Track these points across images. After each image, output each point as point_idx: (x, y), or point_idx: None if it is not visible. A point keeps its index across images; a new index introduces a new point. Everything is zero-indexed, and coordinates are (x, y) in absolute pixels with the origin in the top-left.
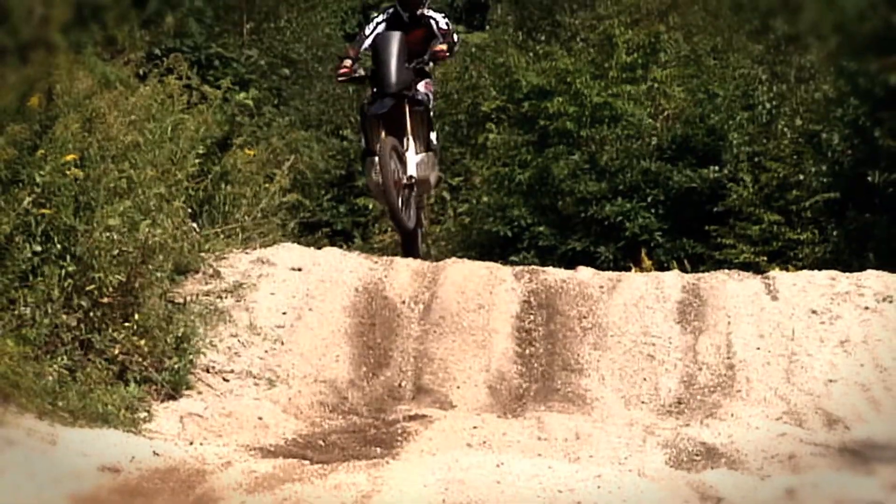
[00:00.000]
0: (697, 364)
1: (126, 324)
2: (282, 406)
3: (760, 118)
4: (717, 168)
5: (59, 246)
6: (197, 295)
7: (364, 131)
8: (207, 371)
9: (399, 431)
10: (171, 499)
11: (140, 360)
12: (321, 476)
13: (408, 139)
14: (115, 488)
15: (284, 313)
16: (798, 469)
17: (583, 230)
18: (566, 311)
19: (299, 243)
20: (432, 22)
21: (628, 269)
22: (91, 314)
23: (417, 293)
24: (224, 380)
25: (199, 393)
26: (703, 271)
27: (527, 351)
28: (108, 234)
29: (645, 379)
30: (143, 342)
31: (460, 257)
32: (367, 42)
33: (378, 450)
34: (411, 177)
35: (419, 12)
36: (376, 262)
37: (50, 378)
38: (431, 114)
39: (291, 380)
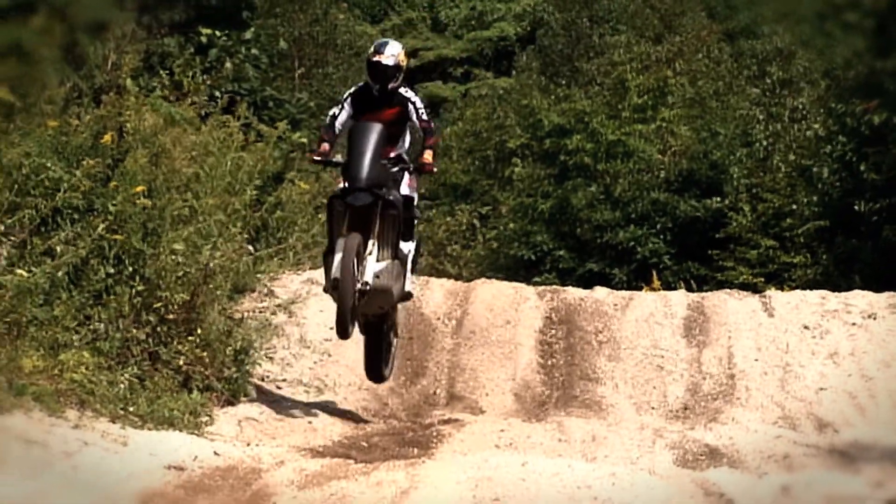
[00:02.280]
0: (702, 374)
1: (190, 337)
2: (329, 411)
3: (758, 154)
4: (718, 199)
5: (129, 268)
6: (253, 311)
7: (329, 225)
8: (263, 380)
9: (434, 434)
10: (229, 494)
11: (202, 370)
12: (364, 474)
13: (373, 243)
14: (180, 485)
15: (332, 328)
16: (792, 468)
17: (599, 254)
18: (584, 326)
19: None
20: (410, 105)
21: (639, 289)
22: (158, 329)
23: (451, 310)
24: (277, 388)
25: (255, 399)
26: (706, 291)
27: (548, 362)
28: (173, 257)
29: (654, 387)
30: (205, 354)
31: (489, 278)
32: (339, 123)
33: (415, 450)
34: (366, 283)
35: (391, 87)
36: (414, 283)
37: (121, 386)
38: (415, 218)
39: (338, 388)
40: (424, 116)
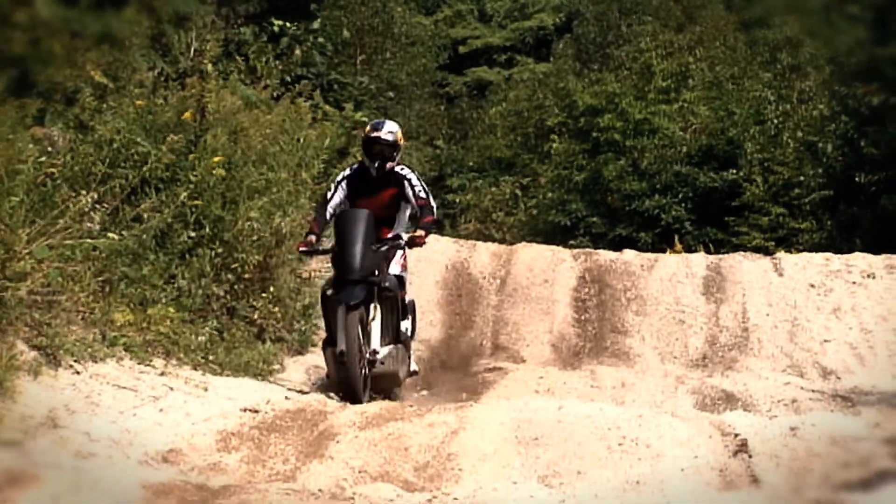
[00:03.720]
0: (719, 327)
1: (263, 294)
2: None
3: (769, 131)
4: (734, 171)
5: (209, 232)
6: (319, 271)
7: (326, 319)
8: None
9: (480, 381)
10: (298, 434)
11: (274, 323)
12: (418, 416)
13: (374, 307)
14: (255, 425)
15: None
16: (799, 411)
17: (627, 220)
18: (614, 284)
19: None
20: (406, 184)
21: (663, 252)
22: (235, 287)
23: (495, 270)
24: None
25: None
26: (723, 253)
27: (582, 317)
28: (249, 223)
29: (677, 339)
30: (277, 309)
31: (529, 242)
32: (332, 207)
33: (464, 395)
34: (375, 351)
35: (389, 166)
36: (462, 246)
37: (202, 337)
38: (405, 297)
39: None
40: (422, 194)
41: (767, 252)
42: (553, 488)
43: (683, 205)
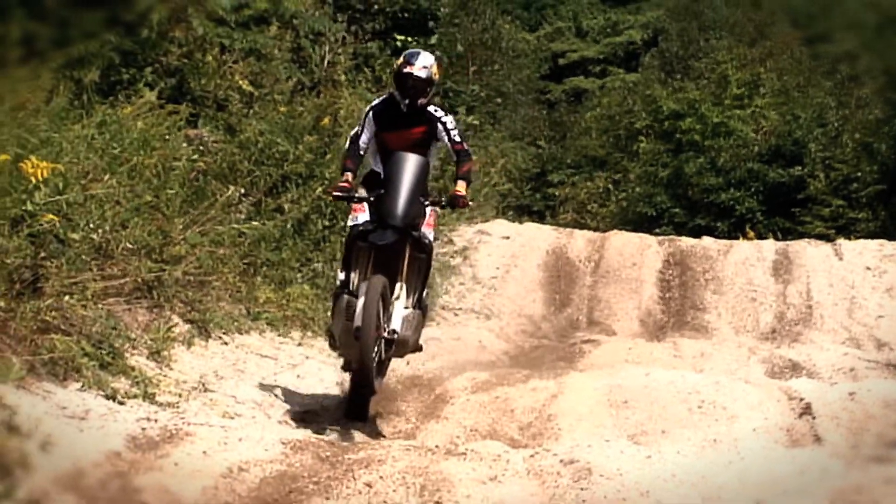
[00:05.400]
0: (786, 304)
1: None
2: (495, 333)
3: (830, 133)
4: (799, 168)
5: (341, 222)
6: (436, 255)
7: (347, 261)
8: (443, 308)
9: (577, 351)
10: (417, 397)
11: None
12: (523, 381)
13: (401, 286)
14: (379, 389)
15: (497, 268)
16: (857, 378)
17: (705, 211)
18: (694, 267)
19: (507, 220)
20: (439, 125)
21: (737, 239)
22: None
23: (590, 254)
24: (455, 314)
25: (438, 324)
26: (789, 240)
27: (666, 295)
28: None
29: (749, 315)
30: None
31: (619, 230)
32: (363, 143)
33: (562, 363)
34: (394, 331)
35: (420, 103)
36: (561, 233)
37: None
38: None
39: (502, 315)
40: (457, 137)
41: (829, 239)
42: (641, 445)
43: (755, 197)
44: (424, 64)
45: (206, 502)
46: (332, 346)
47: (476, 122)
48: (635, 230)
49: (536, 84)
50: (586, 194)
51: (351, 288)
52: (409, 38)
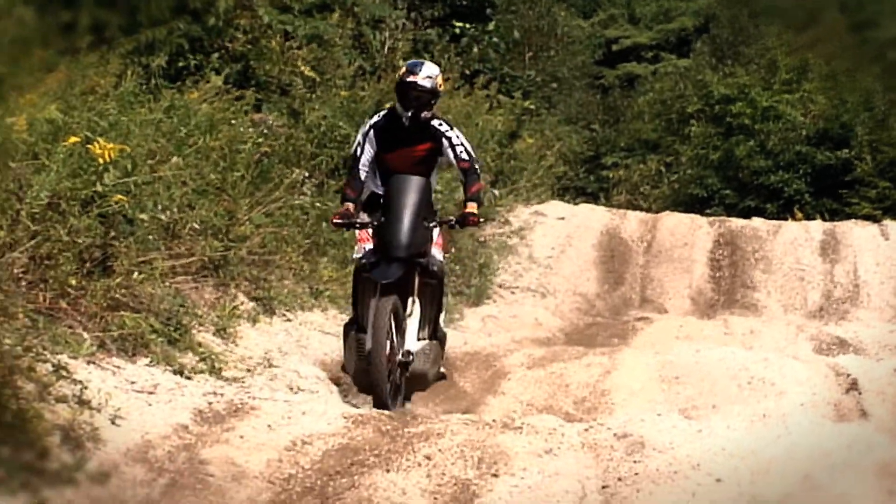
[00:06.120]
0: (833, 283)
1: (446, 255)
2: (551, 311)
3: (877, 116)
4: (847, 150)
5: None
6: (494, 235)
7: (354, 295)
8: (500, 287)
9: (630, 328)
10: (475, 373)
11: (455, 279)
12: (577, 357)
13: (412, 302)
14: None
15: (552, 248)
16: None
17: (755, 193)
18: (744, 247)
19: (563, 201)
20: (444, 141)
21: (786, 220)
22: None
23: (643, 235)
24: (511, 293)
25: (495, 302)
26: (837, 221)
27: (717, 274)
28: (435, 195)
29: (797, 293)
30: (457, 267)
31: (671, 211)
32: (363, 166)
33: (616, 340)
34: (408, 353)
35: (424, 116)
36: (615, 214)
37: None
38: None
39: (557, 293)
40: (465, 155)
41: (875, 220)
42: (692, 420)
43: (803, 179)
44: (429, 74)
45: (270, 474)
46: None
47: (532, 107)
48: (687, 211)
49: (590, 69)
50: (639, 176)
51: (362, 323)
52: (468, 25)
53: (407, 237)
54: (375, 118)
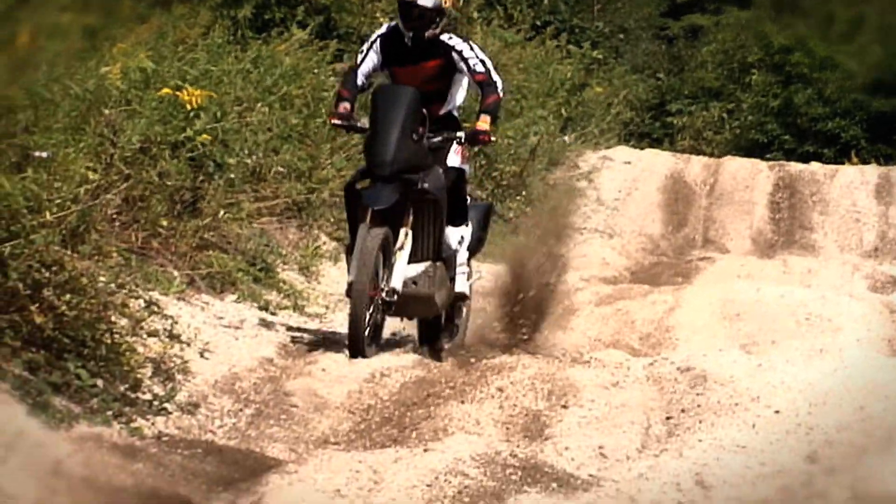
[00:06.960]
0: (888, 225)
1: (518, 197)
2: (618, 251)
3: None
4: None
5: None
6: (563, 179)
7: (349, 217)
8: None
9: (693, 267)
10: (546, 309)
11: (526, 220)
12: (643, 295)
13: (405, 233)
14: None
15: (619, 191)
16: None
17: (813, 138)
18: (802, 190)
19: (629, 146)
20: (455, 55)
21: (842, 164)
22: (495, 191)
23: (706, 178)
24: (580, 234)
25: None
26: (892, 165)
27: (776, 216)
28: (506, 140)
29: (853, 234)
30: (528, 209)
31: (733, 156)
32: (363, 74)
33: (679, 279)
34: (393, 290)
35: (428, 35)
36: (679, 159)
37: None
38: (466, 197)
39: (624, 234)
40: (479, 68)
41: None
42: (752, 354)
43: (859, 126)
44: None
45: (350, 405)
46: None
47: (600, 57)
48: (748, 156)
49: (656, 21)
50: (702, 123)
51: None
52: None
53: (391, 153)
54: (383, 29)
